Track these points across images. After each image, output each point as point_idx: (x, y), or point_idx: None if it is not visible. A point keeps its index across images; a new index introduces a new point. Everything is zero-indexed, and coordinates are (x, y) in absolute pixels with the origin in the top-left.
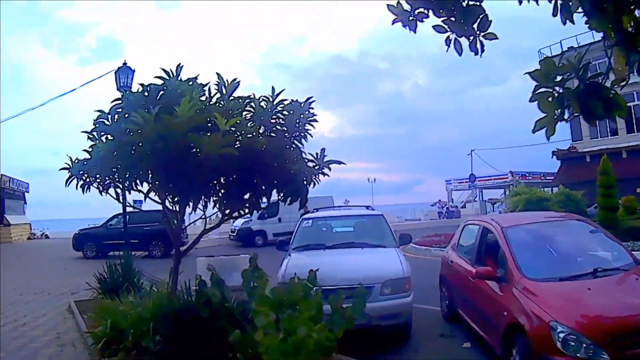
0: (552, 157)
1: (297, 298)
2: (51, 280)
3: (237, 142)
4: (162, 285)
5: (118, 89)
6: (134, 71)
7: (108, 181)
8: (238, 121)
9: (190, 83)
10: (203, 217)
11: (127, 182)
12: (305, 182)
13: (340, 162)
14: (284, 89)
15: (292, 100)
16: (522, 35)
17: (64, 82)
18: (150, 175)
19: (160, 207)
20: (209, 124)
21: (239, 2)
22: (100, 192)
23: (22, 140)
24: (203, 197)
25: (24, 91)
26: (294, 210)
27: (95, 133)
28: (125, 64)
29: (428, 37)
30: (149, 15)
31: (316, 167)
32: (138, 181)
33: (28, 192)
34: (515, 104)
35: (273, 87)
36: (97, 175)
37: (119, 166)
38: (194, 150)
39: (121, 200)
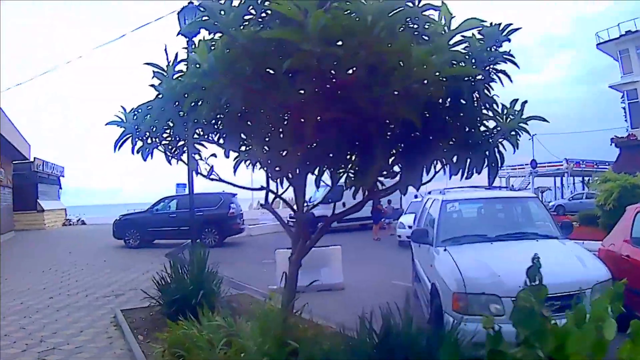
0: (610, 145)
1: None
2: (89, 277)
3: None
4: (274, 298)
5: (182, 34)
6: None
7: (180, 142)
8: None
9: None
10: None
11: (223, 139)
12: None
13: (543, 119)
14: None
15: (480, 21)
16: (555, 24)
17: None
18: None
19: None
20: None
21: None
22: (169, 160)
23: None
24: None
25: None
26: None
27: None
28: (191, 2)
29: None
30: None
31: (509, 124)
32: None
33: (63, 176)
34: (548, 92)
35: None
36: (167, 132)
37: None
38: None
39: (204, 173)
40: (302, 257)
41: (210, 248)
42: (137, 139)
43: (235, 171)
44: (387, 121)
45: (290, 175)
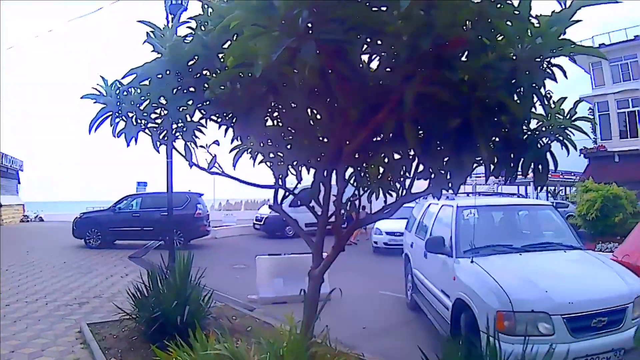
0: (579, 155)
1: None
2: (49, 280)
3: None
4: (290, 324)
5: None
6: None
7: (180, 125)
8: None
9: None
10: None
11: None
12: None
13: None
14: None
15: None
16: None
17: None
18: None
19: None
20: None
21: None
22: (157, 146)
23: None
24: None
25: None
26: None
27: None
28: None
29: None
30: None
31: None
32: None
33: (22, 170)
34: None
35: None
36: (156, 111)
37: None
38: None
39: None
40: (326, 270)
41: (177, 251)
42: (119, 118)
43: (235, 165)
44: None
45: (325, 172)
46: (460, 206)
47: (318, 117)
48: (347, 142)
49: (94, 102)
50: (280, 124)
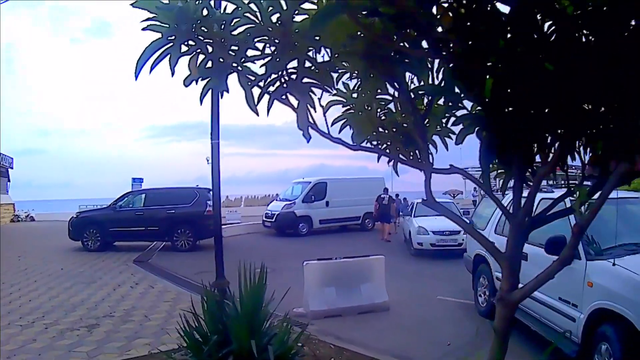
0: None
1: None
2: (46, 294)
3: None
4: None
5: None
6: None
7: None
8: None
9: None
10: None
11: None
12: None
13: None
14: None
15: None
16: None
17: (56, 61)
18: None
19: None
20: None
21: None
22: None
23: (9, 121)
24: None
25: (13, 70)
26: (345, 193)
27: None
28: None
29: None
30: None
31: None
32: None
33: (12, 168)
34: None
35: None
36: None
37: None
38: None
39: None
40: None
41: (183, 252)
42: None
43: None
44: None
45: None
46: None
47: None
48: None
49: (149, 24)
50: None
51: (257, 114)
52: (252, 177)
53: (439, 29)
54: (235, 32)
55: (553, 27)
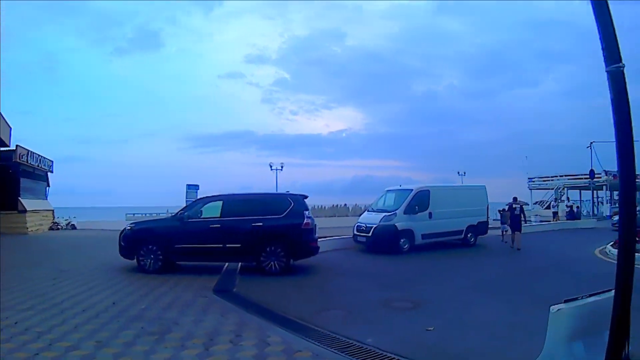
0: None
1: None
2: (93, 354)
3: None
4: None
5: None
6: None
7: None
8: None
9: None
10: None
11: None
12: None
13: None
14: None
15: None
16: (554, 38)
17: (97, 71)
18: None
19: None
20: None
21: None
22: None
23: (51, 128)
24: None
25: (55, 79)
26: (448, 203)
27: None
28: None
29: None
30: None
31: None
32: None
33: (52, 171)
34: (546, 105)
35: None
36: None
37: None
38: None
39: None
40: None
41: (273, 276)
42: None
43: None
44: None
45: None
46: None
47: None
48: None
49: None
50: None
51: None
52: (297, 187)
53: None
54: None
55: None
